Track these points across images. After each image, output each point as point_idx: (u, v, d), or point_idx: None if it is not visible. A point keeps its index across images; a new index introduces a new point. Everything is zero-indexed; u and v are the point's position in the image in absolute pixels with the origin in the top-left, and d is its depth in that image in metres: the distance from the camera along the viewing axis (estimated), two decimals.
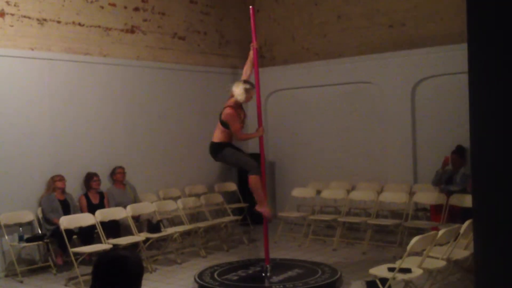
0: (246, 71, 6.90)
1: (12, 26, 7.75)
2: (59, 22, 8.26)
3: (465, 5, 3.83)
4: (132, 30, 9.21)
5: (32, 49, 7.95)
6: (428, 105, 9.17)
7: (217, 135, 6.68)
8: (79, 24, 8.50)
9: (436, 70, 9.02)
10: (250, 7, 7.07)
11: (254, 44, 6.86)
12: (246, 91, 6.53)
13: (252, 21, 6.95)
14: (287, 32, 10.85)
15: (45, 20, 8.09)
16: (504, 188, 3.49)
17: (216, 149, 6.70)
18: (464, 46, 3.97)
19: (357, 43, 9.95)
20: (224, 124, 6.58)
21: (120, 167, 8.66)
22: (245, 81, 6.66)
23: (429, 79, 9.17)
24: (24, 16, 7.88)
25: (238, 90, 6.56)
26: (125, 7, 9.10)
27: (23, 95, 7.83)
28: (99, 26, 8.74)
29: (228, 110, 6.54)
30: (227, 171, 10.55)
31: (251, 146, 10.72)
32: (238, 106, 6.64)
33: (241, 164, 6.90)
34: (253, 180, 6.59)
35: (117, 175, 8.60)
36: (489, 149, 3.59)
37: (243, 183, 10.31)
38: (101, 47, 8.77)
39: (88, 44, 8.60)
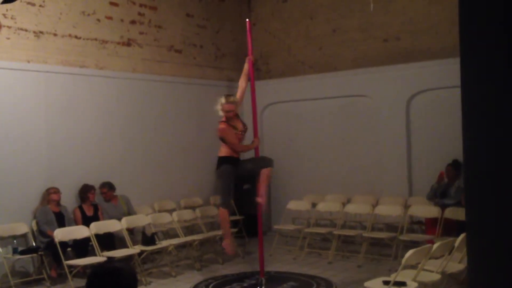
0: (241, 84, 6.96)
1: (8, 38, 7.78)
2: (55, 34, 8.29)
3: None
4: (128, 43, 9.25)
5: (29, 62, 7.97)
6: (423, 118, 9.21)
7: (221, 149, 6.76)
8: (76, 36, 8.54)
9: (431, 84, 9.08)
10: (247, 20, 7.14)
11: (250, 57, 6.92)
12: (220, 104, 6.63)
13: (248, 34, 7.01)
14: (283, 45, 10.91)
15: (41, 32, 8.12)
16: (497, 201, 3.50)
17: (218, 163, 6.77)
18: (459, 60, 4.00)
19: (352, 56, 10.02)
20: (221, 139, 6.64)
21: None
22: (224, 96, 6.75)
23: (424, 93, 9.22)
24: (21, 29, 7.91)
25: (217, 105, 6.69)
26: (122, 20, 9.15)
27: (19, 107, 7.84)
28: (95, 39, 8.78)
29: (220, 126, 6.65)
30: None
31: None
32: (232, 119, 6.68)
33: (220, 189, 6.93)
34: (221, 213, 6.75)
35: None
36: (482, 163, 3.61)
37: (238, 196, 10.32)
38: (97, 59, 8.80)
39: (84, 57, 8.63)
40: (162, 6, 9.78)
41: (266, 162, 6.89)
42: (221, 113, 6.67)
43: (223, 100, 6.64)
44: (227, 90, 10.62)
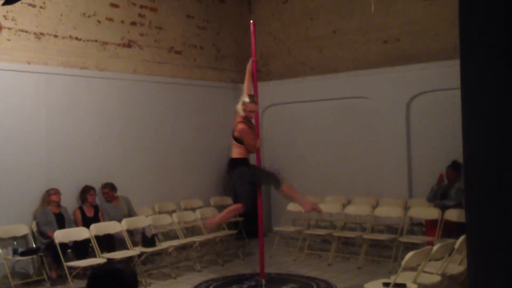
0: (248, 85, 6.91)
1: (9, 40, 7.79)
2: (56, 36, 8.29)
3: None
4: (129, 44, 9.25)
5: (29, 63, 7.98)
6: (423, 120, 9.21)
7: (235, 151, 6.68)
8: (76, 38, 8.54)
9: (431, 86, 9.08)
10: (251, 21, 7.13)
11: (253, 59, 6.91)
12: (243, 104, 6.58)
13: (252, 35, 7.00)
14: (283, 46, 10.91)
15: (42, 34, 8.13)
16: (497, 203, 3.50)
17: (232, 165, 6.72)
18: (459, 61, 4.00)
19: (352, 58, 10.02)
20: (238, 140, 6.60)
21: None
22: (248, 95, 6.71)
23: (424, 94, 9.22)
24: (22, 30, 7.92)
25: (238, 104, 6.65)
26: (122, 22, 9.16)
27: (19, 109, 7.84)
28: (96, 40, 8.79)
29: (240, 126, 6.57)
30: (222, 185, 10.54)
31: None
32: (248, 120, 6.68)
33: (240, 192, 6.86)
34: (236, 206, 6.80)
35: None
36: (482, 164, 3.61)
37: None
38: (97, 61, 8.81)
39: (85, 58, 8.63)
40: (162, 8, 9.79)
41: (278, 180, 6.78)
42: (241, 113, 6.61)
43: (247, 99, 6.59)
44: (227, 91, 10.63)
